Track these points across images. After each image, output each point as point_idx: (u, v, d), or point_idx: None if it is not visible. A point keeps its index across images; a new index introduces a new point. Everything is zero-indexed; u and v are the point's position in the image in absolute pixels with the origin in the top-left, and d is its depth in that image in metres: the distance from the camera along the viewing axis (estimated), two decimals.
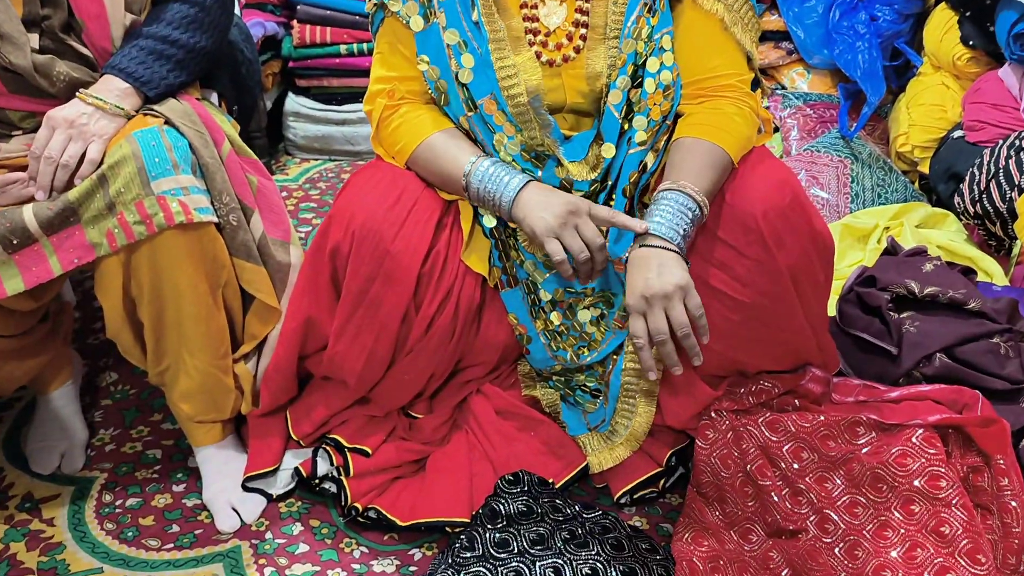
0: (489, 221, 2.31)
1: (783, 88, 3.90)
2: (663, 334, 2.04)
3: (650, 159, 2.31)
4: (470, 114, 2.25)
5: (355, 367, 2.40)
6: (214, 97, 2.72)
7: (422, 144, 2.26)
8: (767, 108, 3.59)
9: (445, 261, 2.30)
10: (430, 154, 2.25)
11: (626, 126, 2.24)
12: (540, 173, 2.28)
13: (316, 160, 4.37)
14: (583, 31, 2.23)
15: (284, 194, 3.94)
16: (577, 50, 2.24)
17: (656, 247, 2.07)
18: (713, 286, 2.22)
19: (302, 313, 2.43)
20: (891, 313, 2.59)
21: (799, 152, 3.63)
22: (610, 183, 2.29)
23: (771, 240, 2.15)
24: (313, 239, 2.38)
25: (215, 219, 2.32)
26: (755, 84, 2.30)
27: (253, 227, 2.43)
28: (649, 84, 2.21)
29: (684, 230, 2.09)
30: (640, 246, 2.08)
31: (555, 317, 2.43)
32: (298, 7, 4.26)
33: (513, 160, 2.27)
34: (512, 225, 2.31)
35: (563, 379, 2.54)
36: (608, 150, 2.27)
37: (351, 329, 2.33)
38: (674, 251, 2.07)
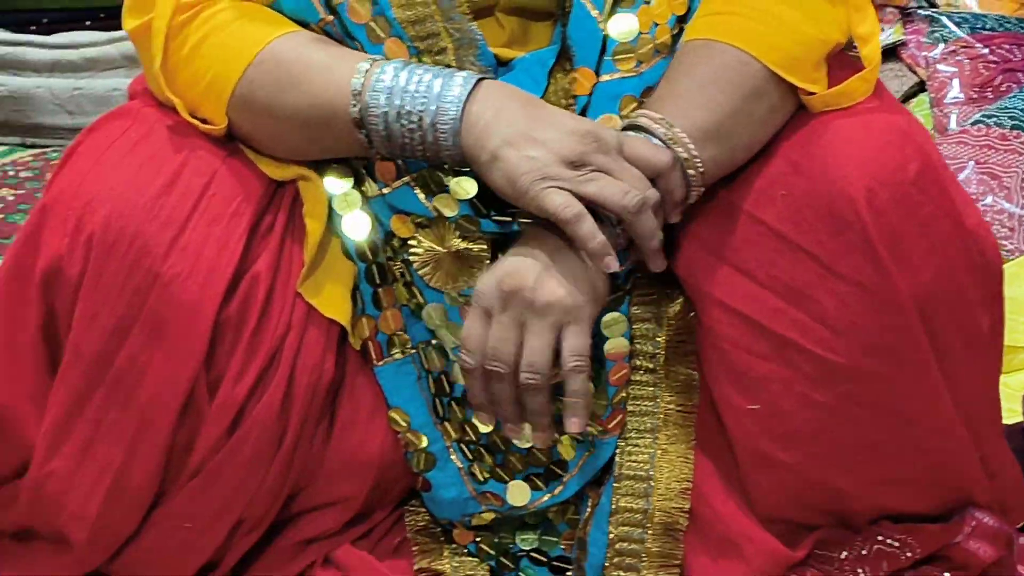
0: (356, 227, 1.81)
1: (931, 7, 3.50)
2: (502, 363, 1.66)
3: None
4: (328, 19, 1.79)
5: (87, 507, 1.77)
6: None
7: (259, 58, 1.77)
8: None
9: (269, 296, 1.77)
10: (270, 87, 1.77)
11: (607, 33, 1.85)
12: None
13: None
14: None
15: None
16: None
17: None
18: (774, 331, 1.77)
19: None
20: None
21: (964, 127, 3.12)
22: None
23: (883, 245, 1.72)
24: (6, 255, 1.85)
25: None
26: None
27: None
28: None
29: None
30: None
31: (482, 418, 1.87)
32: None
33: None
34: (413, 228, 1.83)
35: (496, 539, 1.94)
36: (584, 79, 1.83)
37: (81, 428, 1.75)
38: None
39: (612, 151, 1.68)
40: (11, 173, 3.55)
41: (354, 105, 1.70)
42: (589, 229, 1.63)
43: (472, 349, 1.67)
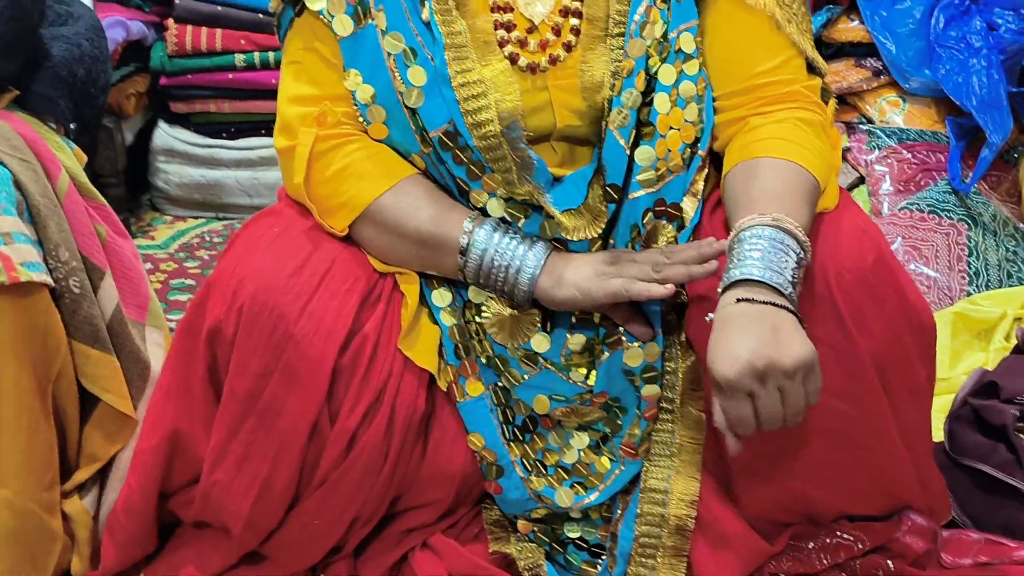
0: (441, 298, 2.00)
1: (868, 123, 3.54)
2: (775, 424, 1.75)
3: (688, 206, 1.97)
4: (426, 151, 1.95)
5: (241, 506, 1.99)
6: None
7: (385, 196, 1.94)
8: (847, 149, 3.39)
9: (375, 351, 1.95)
10: (398, 213, 1.95)
11: (633, 157, 1.96)
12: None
13: (197, 219, 4.01)
14: (575, 22, 1.96)
15: (147, 266, 3.56)
16: (568, 48, 1.96)
17: (764, 303, 1.73)
18: None
19: (166, 425, 2.03)
20: (1021, 435, 2.32)
21: (893, 211, 3.27)
22: (613, 241, 1.98)
23: (848, 315, 1.86)
24: (182, 317, 2.02)
25: (49, 281, 1.99)
26: (823, 95, 2.02)
27: (103, 298, 2.11)
28: (661, 101, 1.93)
29: (792, 277, 1.78)
30: (738, 300, 1.75)
31: (538, 440, 2.04)
32: (176, 1, 3.78)
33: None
34: (484, 297, 2.00)
35: (549, 529, 2.11)
36: (614, 192, 1.96)
37: (236, 449, 1.96)
38: (789, 310, 1.75)
39: (631, 253, 1.91)
40: (207, 239, 3.90)
41: (463, 239, 1.92)
42: (640, 289, 1.84)
43: (746, 426, 1.78)
